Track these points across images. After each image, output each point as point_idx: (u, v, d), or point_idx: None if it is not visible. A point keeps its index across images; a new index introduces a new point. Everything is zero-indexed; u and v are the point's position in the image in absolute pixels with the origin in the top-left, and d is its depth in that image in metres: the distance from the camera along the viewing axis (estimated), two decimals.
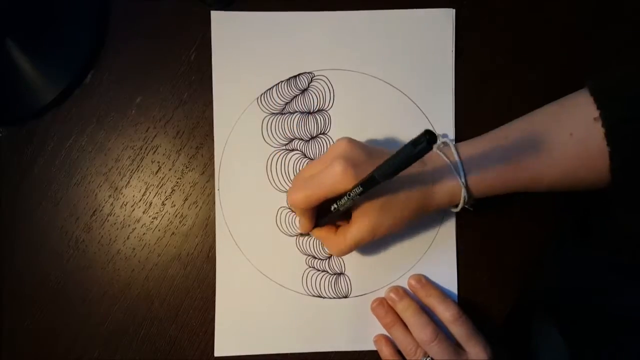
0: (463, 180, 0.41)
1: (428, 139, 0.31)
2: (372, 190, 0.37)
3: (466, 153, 0.42)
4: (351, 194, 0.38)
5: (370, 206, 0.41)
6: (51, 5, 0.48)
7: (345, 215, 0.43)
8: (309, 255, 0.49)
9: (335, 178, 0.38)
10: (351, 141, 0.41)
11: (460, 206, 0.43)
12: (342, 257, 0.48)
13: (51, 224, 0.48)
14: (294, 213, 0.48)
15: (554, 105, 0.42)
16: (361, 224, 0.41)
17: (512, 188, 0.42)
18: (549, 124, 0.41)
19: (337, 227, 0.45)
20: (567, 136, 0.39)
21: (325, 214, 0.43)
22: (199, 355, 0.48)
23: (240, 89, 0.49)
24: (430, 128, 0.46)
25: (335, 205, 0.40)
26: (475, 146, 0.43)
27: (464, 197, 0.42)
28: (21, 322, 0.48)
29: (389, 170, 0.34)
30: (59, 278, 0.48)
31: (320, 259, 0.49)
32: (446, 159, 0.42)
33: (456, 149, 0.42)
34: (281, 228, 0.48)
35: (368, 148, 0.41)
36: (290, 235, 0.49)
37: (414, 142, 0.31)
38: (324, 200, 0.41)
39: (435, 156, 0.42)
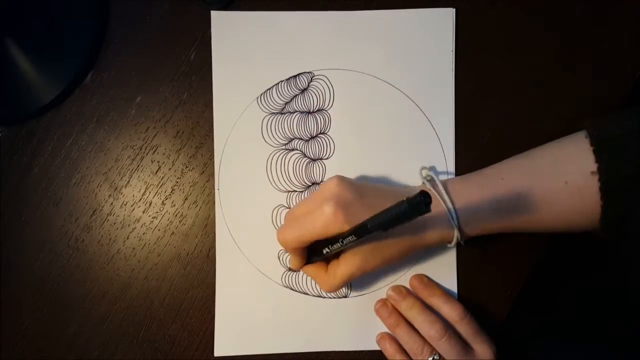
0: (455, 222, 0.41)
1: (424, 200, 0.31)
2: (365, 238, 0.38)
3: (459, 196, 0.42)
4: (344, 242, 0.38)
5: (360, 248, 0.41)
6: (51, 5, 0.48)
7: (336, 254, 0.43)
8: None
9: (326, 221, 0.39)
10: (341, 181, 0.41)
11: (453, 242, 0.43)
12: None
13: (51, 224, 0.48)
14: None
15: (553, 149, 0.42)
16: (351, 262, 0.41)
17: (504, 230, 0.43)
18: (546, 170, 0.41)
19: (327, 263, 0.45)
20: (562, 185, 0.40)
21: (315, 251, 0.43)
22: (199, 355, 0.48)
23: (240, 88, 0.49)
24: (427, 168, 0.46)
25: (327, 249, 0.41)
26: (468, 188, 0.43)
27: (457, 237, 0.42)
28: (21, 322, 0.48)
29: (381, 224, 0.34)
30: (59, 278, 0.48)
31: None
32: (441, 203, 0.42)
33: (447, 192, 0.42)
34: None
35: (359, 188, 0.41)
36: None
37: (409, 201, 0.32)
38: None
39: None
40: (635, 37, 0.49)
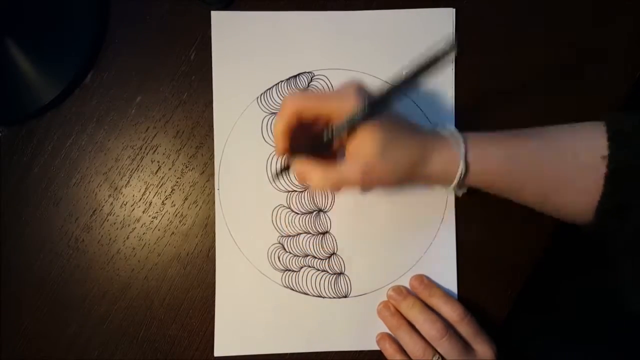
0: (463, 154, 0.40)
1: (449, 45, 0.32)
2: (376, 121, 0.37)
3: (473, 139, 0.41)
4: (359, 111, 0.36)
5: (368, 145, 0.38)
6: (51, 5, 0.48)
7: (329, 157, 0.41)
8: (308, 255, 0.49)
9: (345, 97, 0.37)
10: (362, 82, 0.39)
11: (454, 183, 0.41)
12: (342, 255, 0.48)
13: (51, 224, 0.48)
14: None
15: (570, 128, 0.42)
16: (355, 162, 0.39)
17: (506, 190, 0.42)
18: (562, 143, 0.41)
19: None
20: (572, 158, 0.40)
21: (307, 148, 0.41)
22: (199, 355, 0.48)
23: (240, 88, 0.49)
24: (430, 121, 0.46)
25: (333, 128, 0.38)
26: (484, 136, 0.42)
27: (460, 173, 0.40)
28: (21, 322, 0.48)
29: (404, 83, 0.34)
30: (59, 278, 0.48)
31: (320, 258, 0.49)
32: (452, 141, 0.41)
33: (463, 135, 0.41)
34: (281, 228, 0.48)
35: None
36: (291, 235, 0.49)
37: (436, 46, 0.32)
38: (310, 138, 0.39)
39: (439, 129, 0.42)
40: (635, 37, 0.49)
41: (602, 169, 0.38)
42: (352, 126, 0.37)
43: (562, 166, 0.40)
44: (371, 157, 0.38)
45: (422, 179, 0.41)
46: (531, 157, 0.41)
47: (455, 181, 0.41)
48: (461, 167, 0.40)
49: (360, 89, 0.38)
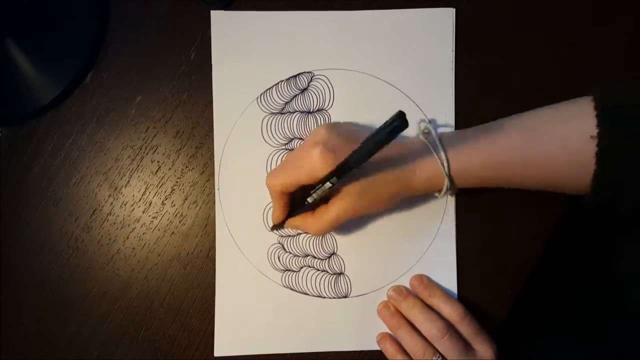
0: (446, 169, 0.41)
1: (400, 121, 0.32)
2: (350, 176, 0.38)
3: (452, 145, 0.42)
4: (328, 183, 0.39)
5: (348, 190, 0.41)
6: (51, 5, 0.48)
7: (321, 203, 0.43)
8: (308, 255, 0.49)
9: (313, 164, 0.39)
10: (331, 127, 0.42)
11: (443, 191, 0.43)
12: (342, 255, 0.48)
13: (51, 224, 0.48)
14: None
15: (556, 109, 0.41)
16: (341, 204, 0.42)
17: (495, 184, 0.43)
18: (546, 129, 0.40)
19: (313, 212, 0.44)
20: (559, 144, 0.39)
21: (300, 204, 0.43)
22: (199, 355, 0.48)
23: (240, 88, 0.49)
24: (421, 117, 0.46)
25: (312, 195, 0.41)
26: (463, 138, 0.42)
27: (447, 186, 0.42)
28: (21, 322, 0.48)
29: (361, 156, 0.35)
30: (59, 278, 0.48)
31: (320, 258, 0.48)
32: (424, 140, 0.42)
33: (441, 141, 0.42)
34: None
35: (348, 133, 0.42)
36: (290, 235, 0.49)
37: (386, 125, 0.33)
38: (300, 190, 0.41)
39: (416, 141, 0.43)
40: (635, 37, 0.49)
41: (592, 149, 0.38)
42: (332, 188, 0.40)
43: (551, 157, 0.40)
44: (352, 203, 0.41)
45: (411, 195, 0.44)
46: (516, 154, 0.41)
47: (442, 193, 0.43)
48: (446, 183, 0.42)
49: (323, 150, 0.39)
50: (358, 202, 0.41)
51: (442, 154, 0.41)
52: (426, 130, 0.44)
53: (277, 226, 0.47)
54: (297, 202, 0.44)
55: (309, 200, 0.41)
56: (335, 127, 0.42)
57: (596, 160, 0.38)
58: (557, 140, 0.39)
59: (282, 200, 0.43)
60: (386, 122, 0.33)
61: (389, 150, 0.40)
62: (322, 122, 0.49)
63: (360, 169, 0.38)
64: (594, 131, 0.38)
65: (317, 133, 0.42)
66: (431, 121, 0.48)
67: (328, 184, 0.39)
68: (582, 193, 0.41)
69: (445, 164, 0.41)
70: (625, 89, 0.40)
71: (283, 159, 0.48)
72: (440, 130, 0.47)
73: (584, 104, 0.39)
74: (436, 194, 0.44)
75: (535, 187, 0.43)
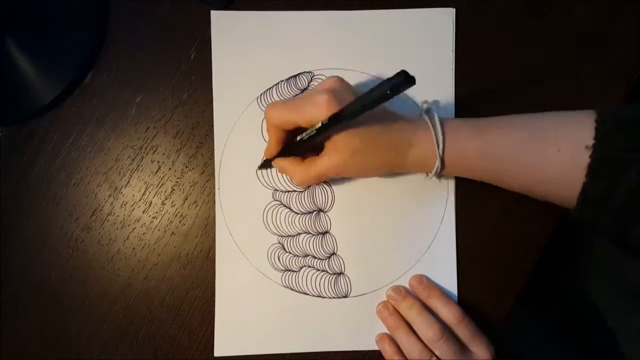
0: (440, 149, 0.41)
1: (399, 79, 0.32)
2: (348, 134, 0.39)
3: (451, 129, 0.42)
4: (318, 126, 0.39)
5: (342, 147, 0.41)
6: (51, 5, 0.48)
7: (313, 152, 0.43)
8: (308, 255, 0.49)
9: (317, 107, 0.39)
10: (341, 79, 0.43)
11: (432, 172, 0.43)
12: (342, 255, 0.48)
13: (51, 224, 0.48)
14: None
15: (557, 116, 0.42)
16: (331, 158, 0.42)
17: (486, 178, 0.43)
18: (544, 132, 0.40)
19: (303, 160, 0.45)
20: (555, 149, 0.39)
21: (291, 151, 0.44)
22: (199, 355, 0.48)
23: (240, 88, 0.49)
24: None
25: (303, 135, 0.41)
26: (464, 125, 0.43)
27: (437, 167, 0.42)
28: (21, 322, 0.48)
29: (357, 108, 0.36)
30: (59, 278, 0.48)
31: (320, 258, 0.49)
32: (426, 118, 0.42)
33: (441, 124, 0.42)
34: (281, 228, 0.48)
35: (355, 91, 0.43)
36: (291, 235, 0.49)
37: (385, 82, 0.33)
38: (296, 131, 0.42)
39: (418, 118, 0.43)
40: (635, 37, 0.49)
41: (585, 159, 0.38)
42: (321, 133, 0.40)
43: (544, 160, 0.40)
44: (342, 159, 0.41)
45: (399, 170, 0.44)
46: (511, 151, 0.41)
47: (432, 174, 0.43)
48: (437, 164, 0.42)
49: (331, 98, 0.39)
50: (349, 161, 0.41)
51: (440, 134, 0.41)
52: (428, 112, 0.44)
53: (266, 164, 0.47)
54: (291, 147, 0.44)
55: (298, 138, 0.42)
56: (344, 81, 0.43)
57: (587, 172, 0.38)
58: (553, 145, 0.39)
59: (277, 135, 0.43)
60: (387, 79, 0.34)
61: (390, 119, 0.42)
62: None
63: (357, 131, 0.39)
64: (590, 142, 0.38)
65: (327, 81, 0.43)
66: (434, 102, 0.49)
67: (318, 125, 0.39)
68: (567, 206, 0.41)
69: (441, 145, 0.41)
70: (627, 106, 0.40)
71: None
72: None
73: (585, 116, 0.40)
74: (427, 174, 0.44)
75: (524, 190, 0.43)
